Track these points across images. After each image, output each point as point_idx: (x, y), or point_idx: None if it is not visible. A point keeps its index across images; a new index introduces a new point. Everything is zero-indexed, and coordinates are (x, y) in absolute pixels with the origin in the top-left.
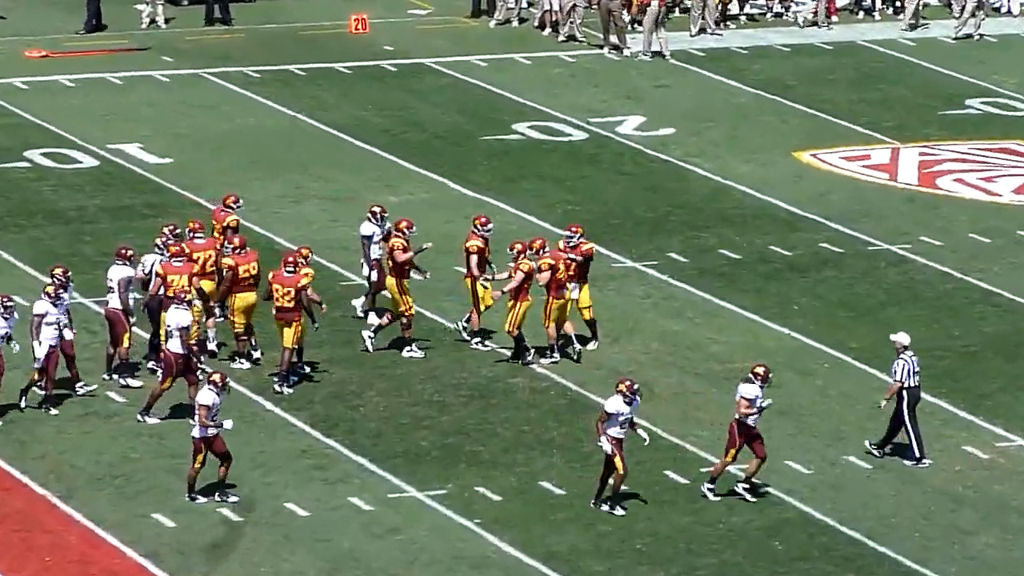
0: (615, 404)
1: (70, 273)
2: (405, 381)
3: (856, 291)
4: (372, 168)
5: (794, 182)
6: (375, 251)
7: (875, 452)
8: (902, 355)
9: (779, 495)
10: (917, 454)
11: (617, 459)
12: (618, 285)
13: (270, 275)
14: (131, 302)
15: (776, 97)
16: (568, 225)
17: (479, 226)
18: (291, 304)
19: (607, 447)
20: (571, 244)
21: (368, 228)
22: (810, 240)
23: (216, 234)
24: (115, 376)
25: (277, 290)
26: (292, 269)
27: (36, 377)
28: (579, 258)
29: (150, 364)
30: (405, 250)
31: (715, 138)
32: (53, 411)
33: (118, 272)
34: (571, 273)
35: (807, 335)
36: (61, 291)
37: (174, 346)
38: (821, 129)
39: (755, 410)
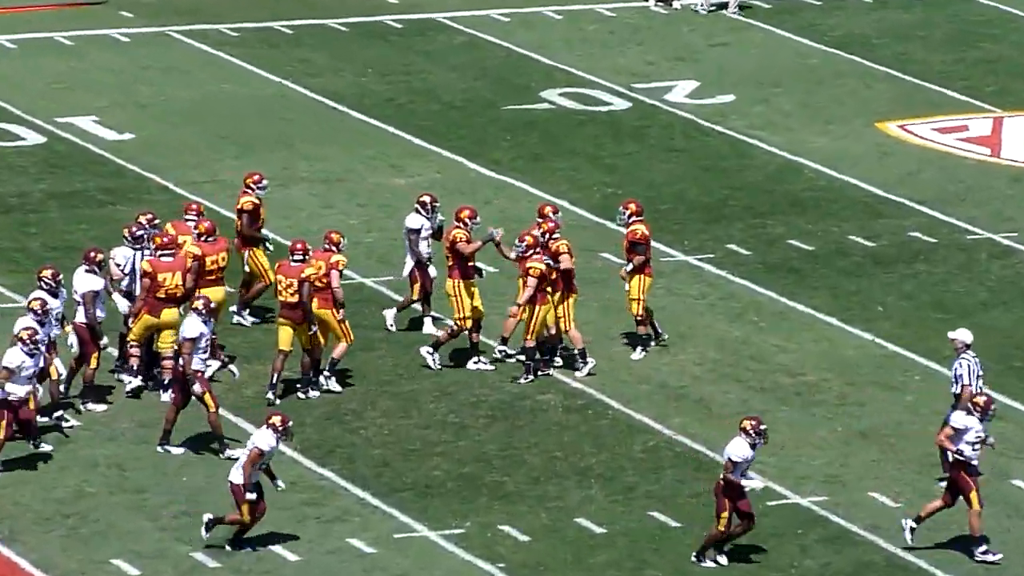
0: (740, 449)
1: (61, 277)
2: (414, 399)
3: (952, 289)
4: (372, 144)
5: (878, 159)
6: (424, 248)
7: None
8: (964, 355)
9: (861, 533)
10: None
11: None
12: (668, 283)
13: (276, 266)
14: (99, 317)
15: (856, 57)
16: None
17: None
18: (296, 299)
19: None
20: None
21: (415, 221)
22: (897, 228)
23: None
24: (78, 399)
25: (280, 283)
26: (301, 257)
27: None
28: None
29: (122, 376)
30: (469, 242)
31: (783, 106)
32: (46, 447)
33: (85, 283)
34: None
35: (894, 342)
36: (50, 301)
37: (196, 364)
38: (910, 95)
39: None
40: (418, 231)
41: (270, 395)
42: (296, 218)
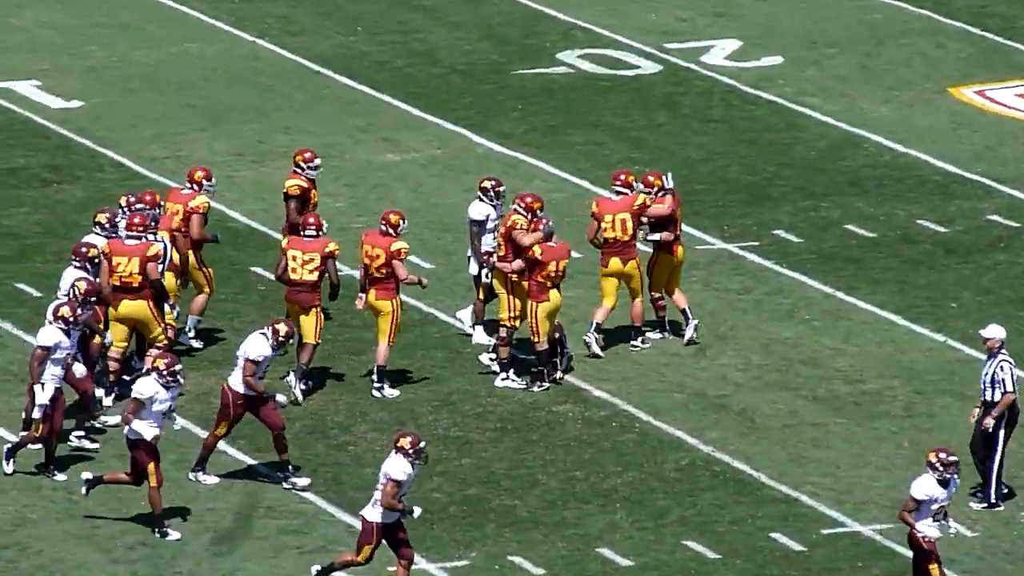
0: (927, 487)
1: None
2: (410, 409)
3: None
4: (362, 114)
5: (951, 130)
6: (488, 242)
7: (993, 501)
8: (1000, 354)
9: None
10: (992, 496)
11: (934, 568)
12: (705, 275)
13: (284, 242)
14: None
15: (926, 12)
16: (645, 176)
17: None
18: (314, 278)
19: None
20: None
21: (480, 210)
22: (973, 211)
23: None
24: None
25: (294, 259)
26: (314, 233)
27: (36, 431)
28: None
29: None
30: (529, 232)
31: (840, 70)
32: (59, 475)
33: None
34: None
35: (969, 344)
36: (81, 310)
37: (233, 382)
38: (989, 56)
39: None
40: (483, 222)
41: (298, 393)
42: (273, 200)
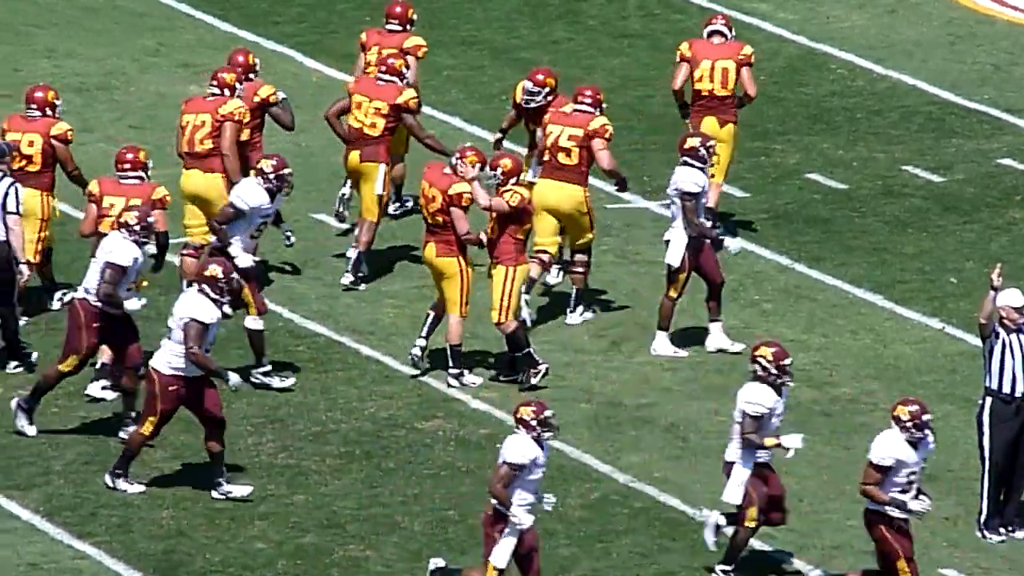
0: (892, 448)
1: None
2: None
3: None
4: (152, 30)
5: (949, 44)
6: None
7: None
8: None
9: None
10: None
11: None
12: (619, 243)
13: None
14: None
15: None
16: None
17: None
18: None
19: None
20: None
21: (689, 177)
22: (978, 154)
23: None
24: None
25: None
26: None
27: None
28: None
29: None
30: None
31: None
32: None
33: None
34: None
35: (975, 332)
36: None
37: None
38: None
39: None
40: (696, 195)
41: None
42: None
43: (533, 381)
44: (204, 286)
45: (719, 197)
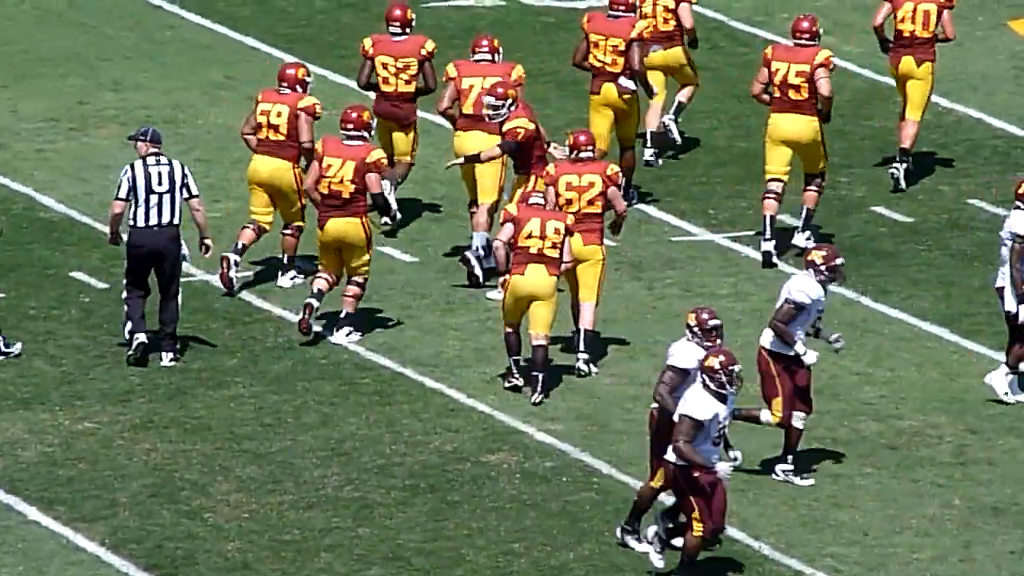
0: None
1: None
2: (287, 462)
3: None
4: (219, 63)
5: (1014, 78)
6: None
7: None
8: None
9: None
10: None
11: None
12: (684, 275)
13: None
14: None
15: None
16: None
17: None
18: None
19: None
20: None
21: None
22: None
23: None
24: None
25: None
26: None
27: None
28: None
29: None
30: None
31: None
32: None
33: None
34: None
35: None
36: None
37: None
38: None
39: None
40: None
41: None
42: (99, 182)
43: (535, 398)
44: (704, 376)
45: (916, 137)
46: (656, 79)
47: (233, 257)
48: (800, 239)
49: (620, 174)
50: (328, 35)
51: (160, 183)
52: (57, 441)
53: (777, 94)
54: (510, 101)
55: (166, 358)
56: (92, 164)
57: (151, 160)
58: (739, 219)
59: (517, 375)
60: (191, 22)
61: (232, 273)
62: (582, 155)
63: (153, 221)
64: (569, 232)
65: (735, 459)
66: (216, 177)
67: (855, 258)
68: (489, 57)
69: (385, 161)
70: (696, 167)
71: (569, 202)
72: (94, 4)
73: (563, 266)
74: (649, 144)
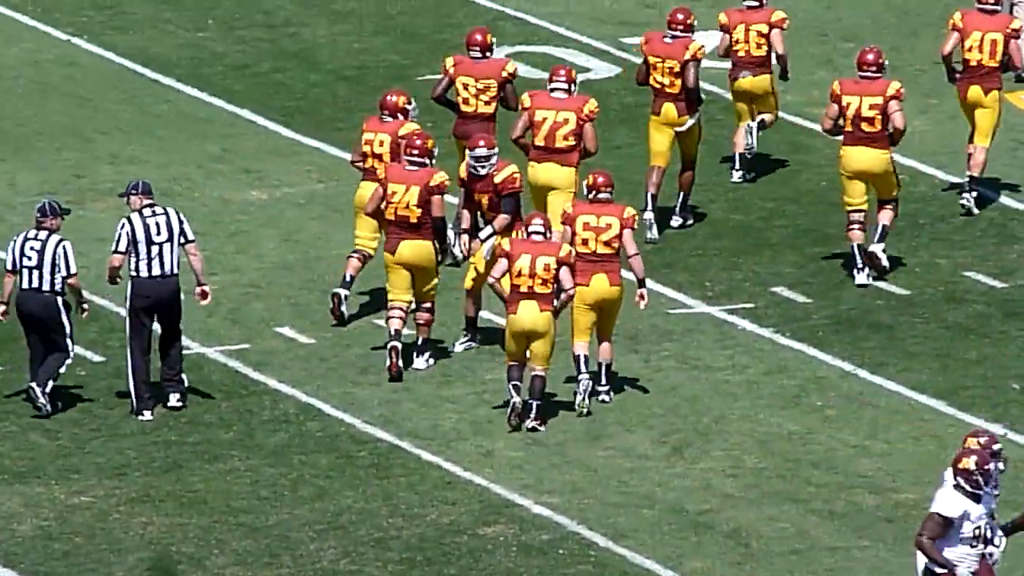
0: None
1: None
2: (283, 535)
3: None
4: (215, 136)
5: (1011, 150)
6: None
7: None
8: None
9: None
10: None
11: None
12: (680, 347)
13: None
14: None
15: None
16: None
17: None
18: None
19: None
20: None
21: None
22: None
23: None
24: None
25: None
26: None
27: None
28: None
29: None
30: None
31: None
32: None
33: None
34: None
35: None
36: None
37: None
38: None
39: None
40: None
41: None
42: (96, 255)
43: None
44: (958, 478)
45: (984, 165)
46: (741, 108)
47: (343, 292)
48: (877, 248)
49: (635, 217)
50: (324, 108)
51: (159, 233)
52: (53, 515)
53: (849, 128)
54: (496, 151)
55: (173, 399)
56: (89, 237)
57: (147, 211)
58: (735, 291)
59: (514, 394)
60: (187, 95)
61: (343, 308)
62: (600, 196)
63: (156, 272)
64: (561, 264)
65: (991, 554)
66: (212, 250)
67: (852, 331)
68: (565, 87)
69: (448, 183)
70: (693, 239)
71: (585, 242)
72: (91, 78)
73: (563, 295)
74: (737, 166)
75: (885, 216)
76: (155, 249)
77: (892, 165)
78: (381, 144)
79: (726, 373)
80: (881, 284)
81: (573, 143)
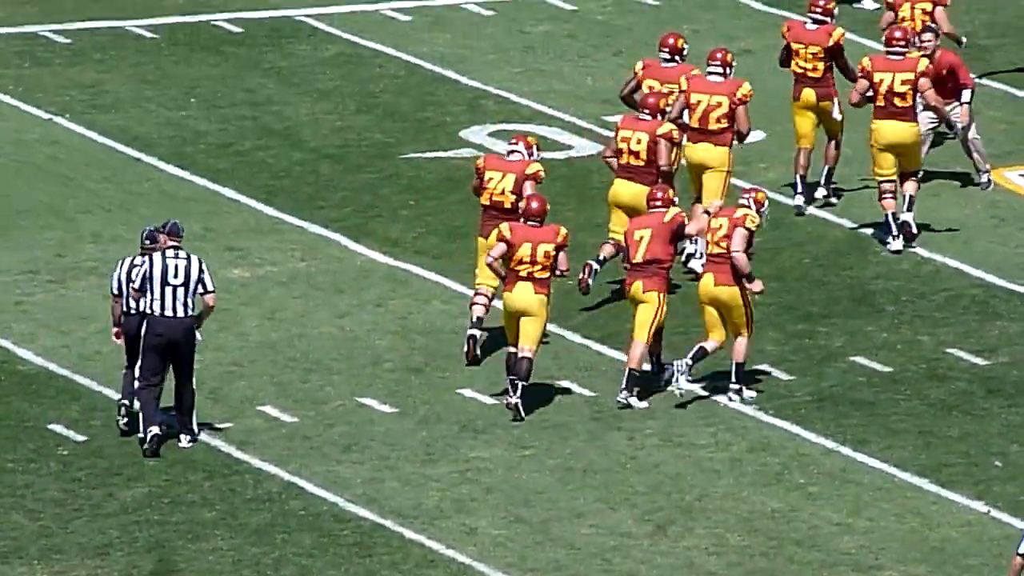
0: None
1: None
2: None
3: None
4: (197, 215)
5: (993, 227)
6: None
7: None
8: None
9: None
10: None
11: None
12: (662, 425)
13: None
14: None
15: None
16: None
17: None
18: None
19: None
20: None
21: None
22: None
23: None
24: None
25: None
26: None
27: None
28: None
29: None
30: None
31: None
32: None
33: None
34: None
35: (1022, 515)
36: None
37: None
38: None
39: None
40: None
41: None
42: (78, 334)
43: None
44: None
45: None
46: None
47: (595, 265)
48: (908, 216)
49: (748, 216)
50: (307, 186)
51: (176, 276)
52: None
53: (881, 103)
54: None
55: (184, 439)
56: (71, 316)
57: (170, 253)
58: (718, 368)
59: (512, 394)
60: (169, 174)
61: (590, 280)
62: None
63: (168, 312)
64: (559, 249)
65: None
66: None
67: (834, 408)
68: (720, 71)
69: (542, 173)
70: (675, 316)
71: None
72: (73, 156)
73: (557, 271)
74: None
75: (910, 187)
76: (168, 291)
77: (920, 137)
78: (638, 142)
79: (709, 450)
80: (863, 360)
81: (726, 125)
